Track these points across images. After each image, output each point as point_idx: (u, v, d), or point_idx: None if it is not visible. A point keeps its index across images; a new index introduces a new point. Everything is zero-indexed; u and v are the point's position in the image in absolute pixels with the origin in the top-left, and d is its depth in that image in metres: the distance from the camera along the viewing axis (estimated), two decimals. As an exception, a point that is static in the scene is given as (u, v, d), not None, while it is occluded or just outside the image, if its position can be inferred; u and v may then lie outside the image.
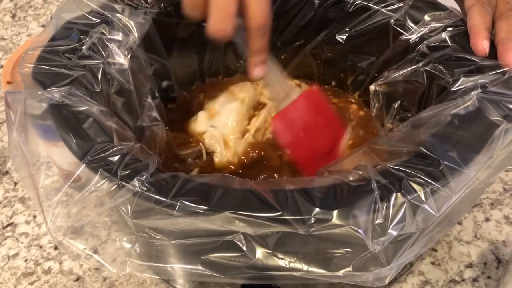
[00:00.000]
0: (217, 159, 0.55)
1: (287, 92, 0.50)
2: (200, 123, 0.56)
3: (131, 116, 0.50)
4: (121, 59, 0.48)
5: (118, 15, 0.49)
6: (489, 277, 0.54)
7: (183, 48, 0.58)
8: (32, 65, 0.44)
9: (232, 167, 0.54)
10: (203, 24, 0.43)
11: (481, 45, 0.43)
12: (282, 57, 0.62)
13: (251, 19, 0.43)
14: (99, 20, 0.48)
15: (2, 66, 0.81)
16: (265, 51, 0.46)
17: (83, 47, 0.46)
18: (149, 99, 0.53)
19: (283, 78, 0.50)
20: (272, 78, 0.49)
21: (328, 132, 0.52)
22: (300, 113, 0.50)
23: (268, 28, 0.44)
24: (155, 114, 0.53)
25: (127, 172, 0.36)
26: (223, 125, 0.55)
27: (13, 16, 0.93)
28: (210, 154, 0.56)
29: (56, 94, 0.42)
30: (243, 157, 0.54)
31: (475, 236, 0.58)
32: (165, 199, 0.34)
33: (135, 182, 0.35)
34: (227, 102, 0.57)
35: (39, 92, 0.42)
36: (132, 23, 0.50)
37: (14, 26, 0.91)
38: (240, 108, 0.56)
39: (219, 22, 0.42)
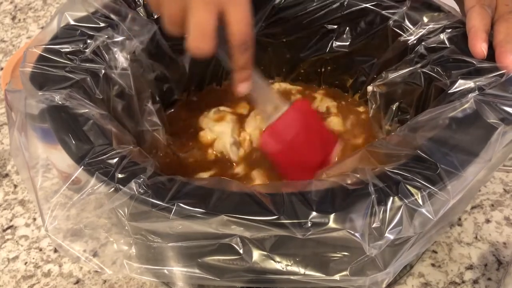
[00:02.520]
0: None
1: (275, 105, 0.49)
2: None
3: (132, 120, 0.50)
4: (124, 63, 0.48)
5: (123, 18, 0.49)
6: (489, 279, 0.54)
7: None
8: (34, 65, 0.44)
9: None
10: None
11: (479, 47, 0.43)
12: (282, 61, 0.62)
13: (233, 36, 0.42)
14: (105, 23, 0.48)
15: (2, 68, 0.81)
16: (250, 67, 0.45)
17: (87, 50, 0.46)
18: (150, 104, 0.53)
19: (270, 91, 0.49)
20: (259, 93, 0.48)
21: (318, 145, 0.51)
22: (289, 126, 0.49)
23: (251, 44, 0.43)
24: (155, 119, 0.53)
25: (125, 175, 0.36)
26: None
27: (13, 18, 0.93)
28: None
29: (56, 95, 0.42)
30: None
31: (476, 237, 0.58)
32: (161, 202, 0.34)
33: (132, 185, 0.35)
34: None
35: (40, 93, 0.42)
36: (137, 27, 0.49)
37: (14, 28, 0.91)
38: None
39: (198, 40, 0.41)
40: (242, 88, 0.46)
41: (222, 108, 0.59)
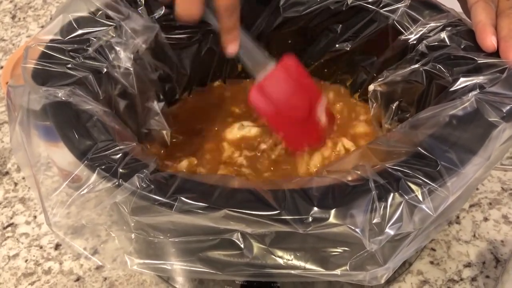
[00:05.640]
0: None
1: (263, 63, 0.51)
2: None
3: (134, 120, 0.50)
4: (126, 62, 0.48)
5: (125, 17, 0.49)
6: (487, 277, 0.54)
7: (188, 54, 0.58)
8: (36, 61, 0.44)
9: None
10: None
11: (489, 40, 0.43)
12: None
13: (219, 0, 0.44)
14: (108, 23, 0.48)
15: (2, 67, 0.81)
16: (237, 28, 0.47)
17: (90, 48, 0.46)
18: (154, 103, 0.53)
19: (257, 50, 0.50)
20: (246, 52, 0.50)
21: (305, 99, 0.53)
22: (276, 84, 0.51)
23: (237, 7, 0.45)
24: (159, 118, 0.53)
25: (127, 170, 0.36)
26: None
27: (13, 17, 0.93)
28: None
29: (60, 92, 0.42)
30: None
31: (474, 235, 0.58)
32: (164, 197, 0.34)
33: (135, 179, 0.35)
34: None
35: (43, 89, 0.42)
36: (139, 27, 0.50)
37: (14, 27, 0.91)
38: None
39: (187, 4, 0.43)
40: (230, 49, 0.48)
41: (245, 123, 0.59)
